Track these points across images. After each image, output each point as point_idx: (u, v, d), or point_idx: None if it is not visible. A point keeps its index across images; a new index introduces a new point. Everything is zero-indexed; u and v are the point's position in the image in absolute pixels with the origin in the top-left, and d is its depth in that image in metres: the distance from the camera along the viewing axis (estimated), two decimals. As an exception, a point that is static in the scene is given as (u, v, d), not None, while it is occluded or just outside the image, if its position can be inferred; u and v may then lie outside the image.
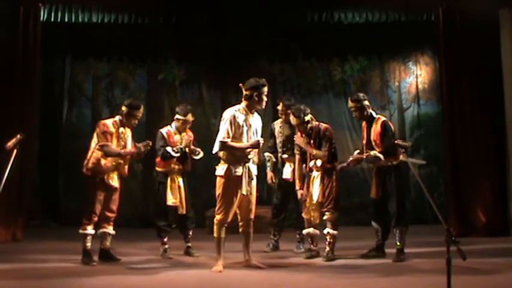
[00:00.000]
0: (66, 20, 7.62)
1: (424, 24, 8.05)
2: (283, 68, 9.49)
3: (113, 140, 5.60)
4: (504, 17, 7.42)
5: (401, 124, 9.48)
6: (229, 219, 5.19)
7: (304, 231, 5.89)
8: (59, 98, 9.31)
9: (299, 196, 5.90)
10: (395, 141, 4.59)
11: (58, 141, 9.23)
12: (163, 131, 6.08)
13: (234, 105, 5.33)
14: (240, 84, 5.27)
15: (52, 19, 7.57)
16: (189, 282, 4.80)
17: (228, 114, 5.21)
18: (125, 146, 5.71)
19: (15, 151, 4.91)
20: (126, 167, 5.79)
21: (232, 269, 5.20)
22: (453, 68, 7.53)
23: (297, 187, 5.92)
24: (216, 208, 5.23)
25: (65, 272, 5.18)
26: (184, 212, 6.02)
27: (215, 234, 5.20)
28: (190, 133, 6.18)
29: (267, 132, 6.47)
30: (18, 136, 5.06)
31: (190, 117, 6.01)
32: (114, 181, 5.66)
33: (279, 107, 6.52)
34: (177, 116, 6.03)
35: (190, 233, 6.14)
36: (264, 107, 5.32)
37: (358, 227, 8.58)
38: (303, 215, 5.83)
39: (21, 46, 7.33)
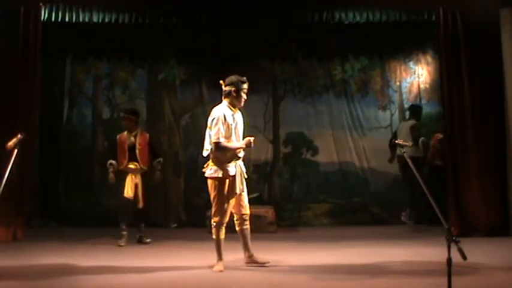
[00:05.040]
0: (66, 19, 7.58)
1: (425, 23, 8.03)
2: (283, 68, 9.46)
3: None
4: (504, 16, 7.40)
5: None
6: (227, 219, 5.16)
7: None
8: (59, 97, 9.31)
9: None
10: (396, 141, 4.54)
11: (58, 141, 9.23)
12: (118, 136, 7.06)
13: (217, 104, 5.28)
14: (221, 81, 5.25)
15: (53, 19, 7.54)
16: (189, 282, 4.80)
17: (217, 113, 5.11)
18: None
19: (15, 151, 4.92)
20: None
21: (232, 268, 5.19)
22: (454, 67, 7.50)
23: None
24: (213, 211, 5.15)
25: (65, 271, 5.18)
26: (140, 206, 6.90)
27: (214, 236, 5.16)
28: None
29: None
30: (19, 136, 5.07)
31: None
32: None
33: None
34: None
35: (143, 225, 6.98)
36: (242, 104, 5.27)
37: (358, 226, 8.59)
38: None
39: (22, 46, 7.30)
